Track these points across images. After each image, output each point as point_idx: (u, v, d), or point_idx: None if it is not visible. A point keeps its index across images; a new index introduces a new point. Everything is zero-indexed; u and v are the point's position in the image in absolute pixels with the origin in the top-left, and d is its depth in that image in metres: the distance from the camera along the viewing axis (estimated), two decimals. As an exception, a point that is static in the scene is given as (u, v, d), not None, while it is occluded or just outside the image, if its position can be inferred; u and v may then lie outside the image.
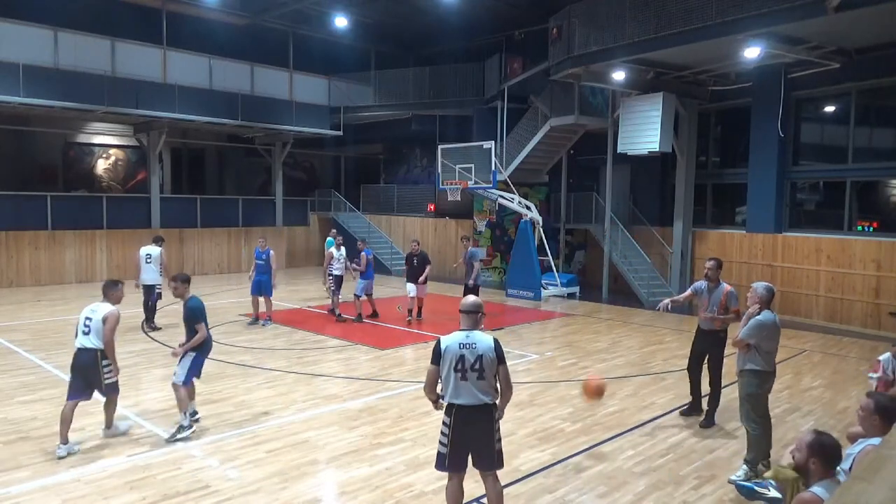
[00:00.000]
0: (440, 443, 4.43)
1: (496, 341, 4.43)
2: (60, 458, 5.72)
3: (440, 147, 17.83)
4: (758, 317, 5.70)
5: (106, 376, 6.14)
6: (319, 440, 6.36)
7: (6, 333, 10.97)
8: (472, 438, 4.36)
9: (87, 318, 6.17)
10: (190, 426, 6.35)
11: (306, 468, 5.70)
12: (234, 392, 7.89)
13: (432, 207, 21.86)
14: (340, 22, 19.46)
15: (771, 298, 5.76)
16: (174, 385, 6.43)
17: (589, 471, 5.77)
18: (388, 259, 21.64)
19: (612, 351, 10.66)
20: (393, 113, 21.94)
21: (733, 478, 5.55)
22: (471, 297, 4.60)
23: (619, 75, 14.17)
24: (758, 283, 5.91)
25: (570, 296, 16.61)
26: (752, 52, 12.04)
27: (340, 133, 21.70)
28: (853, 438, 4.10)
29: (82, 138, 20.87)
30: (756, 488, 4.51)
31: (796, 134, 14.74)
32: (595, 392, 6.36)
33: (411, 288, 12.65)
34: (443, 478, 5.23)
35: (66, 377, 8.31)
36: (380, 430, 6.66)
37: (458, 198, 17.31)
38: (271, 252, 12.53)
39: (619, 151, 15.51)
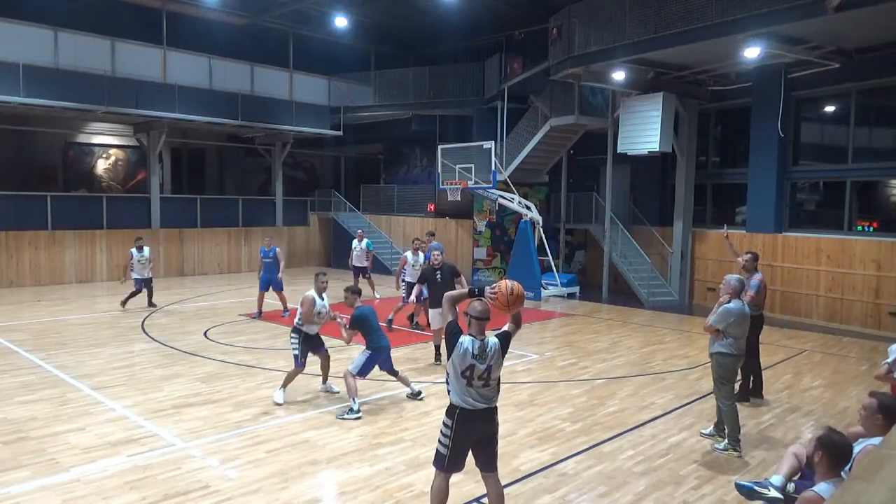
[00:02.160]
0: (440, 442, 4.41)
1: (500, 338, 4.42)
2: None
3: (440, 147, 17.84)
4: (726, 305, 6.27)
5: None
6: (319, 440, 6.36)
7: (6, 333, 10.97)
8: (474, 440, 4.38)
9: None
10: (358, 412, 6.93)
11: (306, 468, 5.70)
12: (234, 392, 7.89)
13: (432, 207, 21.85)
14: (340, 22, 19.45)
15: (741, 289, 6.40)
16: (346, 372, 7.22)
17: (589, 471, 5.77)
18: (388, 259, 21.63)
19: (612, 351, 10.66)
20: (393, 113, 21.93)
21: (717, 445, 6.29)
22: (479, 304, 4.43)
23: (619, 75, 14.17)
24: (730, 276, 6.50)
25: (570, 296, 16.61)
26: (752, 52, 12.03)
27: (340, 133, 21.69)
28: (854, 438, 4.10)
29: (82, 138, 20.86)
30: (756, 488, 4.50)
31: (796, 134, 14.73)
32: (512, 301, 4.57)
33: (436, 317, 9.30)
34: None
35: (66, 377, 8.36)
36: (380, 430, 6.65)
37: (458, 198, 17.31)
38: (278, 249, 12.79)
39: (619, 151, 15.50)
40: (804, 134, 15.02)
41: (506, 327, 4.51)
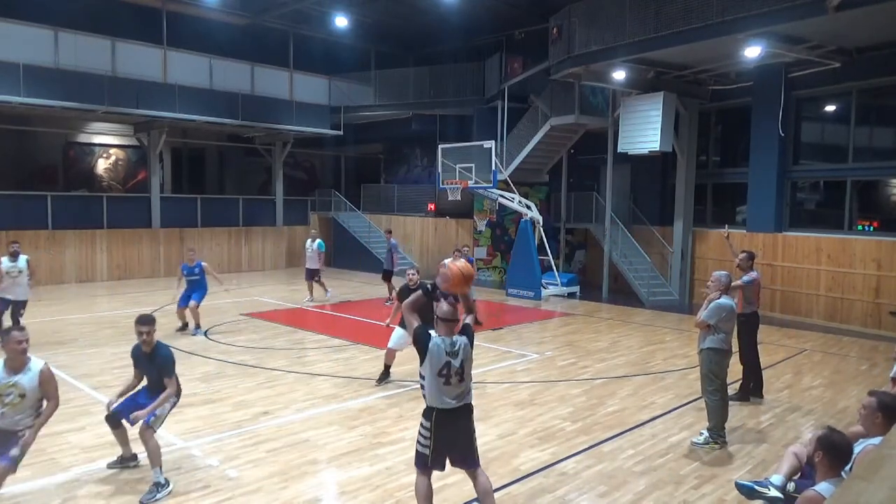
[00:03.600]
0: (420, 443, 4.47)
1: (465, 333, 4.53)
2: None
3: (440, 147, 17.84)
4: (717, 300, 6.40)
5: None
6: (319, 440, 6.35)
7: (6, 333, 10.95)
8: (452, 440, 4.46)
9: None
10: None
11: (306, 468, 5.70)
12: (233, 392, 7.89)
13: (432, 207, 21.86)
14: (340, 22, 19.46)
15: (729, 283, 6.53)
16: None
17: (589, 470, 5.76)
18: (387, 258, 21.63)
19: (612, 350, 10.65)
20: (393, 113, 21.94)
21: (695, 440, 6.39)
22: (445, 306, 4.50)
23: (619, 75, 14.16)
24: (719, 272, 6.65)
25: (571, 295, 16.61)
26: (752, 52, 12.03)
27: (340, 133, 21.70)
28: (854, 438, 4.10)
29: (83, 138, 20.87)
30: (756, 487, 4.50)
31: (797, 133, 14.72)
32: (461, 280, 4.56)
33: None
34: (443, 477, 5.26)
35: (66, 377, 8.35)
36: (380, 430, 6.65)
37: (459, 197, 17.31)
38: (204, 264, 11.41)
39: (619, 151, 15.50)
40: (804, 133, 15.01)
41: (466, 319, 4.62)
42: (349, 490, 5.30)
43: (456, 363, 4.37)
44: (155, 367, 5.50)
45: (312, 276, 14.97)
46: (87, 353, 9.75)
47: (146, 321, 5.51)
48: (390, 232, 16.50)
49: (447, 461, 4.50)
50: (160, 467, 5.16)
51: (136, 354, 5.63)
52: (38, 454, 5.85)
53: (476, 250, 19.57)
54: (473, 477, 4.59)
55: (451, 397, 4.39)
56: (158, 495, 5.02)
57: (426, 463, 4.45)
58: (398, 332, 8.34)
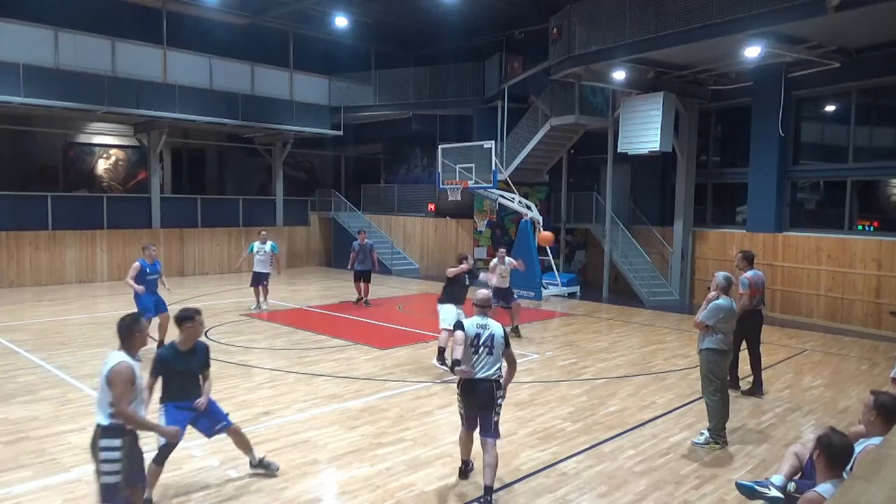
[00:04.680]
0: (458, 405, 5.35)
1: (504, 329, 5.31)
2: None
3: (440, 147, 17.84)
4: (716, 301, 6.44)
5: (104, 468, 3.95)
6: (320, 440, 6.35)
7: (7, 333, 10.97)
8: (477, 406, 5.17)
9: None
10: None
11: (307, 468, 5.70)
12: (234, 392, 7.89)
13: (432, 207, 21.86)
14: (340, 22, 19.45)
15: (728, 286, 6.52)
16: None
17: (589, 470, 5.76)
18: (388, 258, 21.65)
19: (612, 350, 10.65)
20: (393, 113, 21.94)
21: (695, 441, 6.40)
22: (483, 292, 5.53)
23: (619, 75, 14.16)
24: (718, 273, 6.67)
25: (571, 295, 16.61)
26: (752, 52, 12.03)
27: (340, 133, 21.70)
28: (855, 438, 4.10)
29: (83, 138, 20.87)
30: (757, 488, 4.50)
31: (797, 133, 14.73)
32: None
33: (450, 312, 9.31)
34: (443, 477, 5.46)
35: (67, 377, 8.36)
36: (380, 430, 6.65)
37: (459, 197, 17.31)
38: (161, 263, 10.29)
39: (619, 151, 15.49)
40: (804, 133, 15.02)
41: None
42: (349, 490, 5.30)
43: (484, 335, 5.19)
44: (197, 361, 5.14)
45: (259, 281, 13.64)
46: (87, 353, 9.74)
47: (198, 311, 5.16)
48: (362, 231, 15.25)
49: (476, 423, 5.20)
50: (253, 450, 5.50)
51: (168, 356, 5.06)
52: (38, 454, 5.86)
53: (476, 250, 19.57)
54: (484, 447, 5.09)
55: (480, 367, 5.14)
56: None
57: (463, 422, 5.33)
58: (449, 310, 9.09)
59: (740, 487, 4.68)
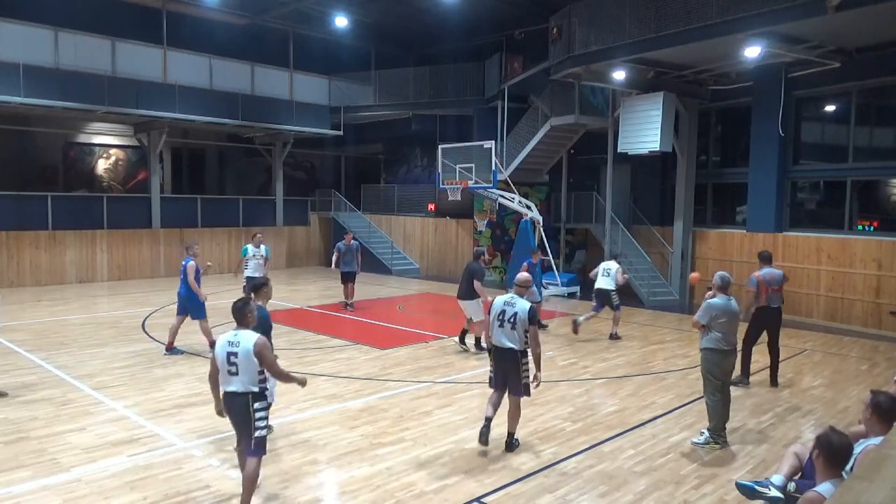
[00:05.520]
0: (489, 370, 6.30)
1: (532, 308, 6.03)
2: None
3: (440, 147, 17.83)
4: (709, 300, 6.49)
5: (258, 424, 4.72)
6: (320, 440, 6.36)
7: (7, 333, 10.96)
8: (504, 370, 6.10)
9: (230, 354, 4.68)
10: None
11: (307, 468, 5.70)
12: (234, 392, 7.88)
13: (432, 207, 21.87)
14: (340, 22, 19.45)
15: (724, 286, 6.54)
16: None
17: (589, 470, 5.76)
18: (388, 258, 21.66)
19: (612, 350, 10.65)
20: (393, 113, 21.94)
21: (695, 440, 6.45)
22: (524, 274, 6.44)
23: (619, 75, 14.16)
24: (718, 272, 6.72)
25: (571, 295, 16.60)
26: (752, 52, 12.03)
27: (340, 133, 21.69)
28: (855, 438, 4.11)
29: (83, 138, 20.87)
30: (757, 487, 4.50)
31: (797, 133, 14.73)
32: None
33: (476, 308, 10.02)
34: (443, 476, 5.51)
35: (67, 377, 8.36)
36: (380, 430, 6.65)
37: (459, 197, 17.31)
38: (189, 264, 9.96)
39: (619, 151, 15.49)
40: (804, 133, 15.02)
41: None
42: (349, 490, 5.30)
43: (509, 312, 6.02)
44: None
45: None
46: (87, 352, 9.75)
47: (268, 279, 6.59)
48: (347, 232, 15.13)
49: (506, 384, 6.12)
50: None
51: (267, 314, 5.90)
52: (38, 454, 5.86)
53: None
54: (510, 402, 6.15)
55: (502, 338, 6.03)
56: None
57: (490, 382, 6.28)
58: (475, 304, 9.94)
59: (740, 487, 4.68)
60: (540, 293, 15.84)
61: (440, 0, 17.71)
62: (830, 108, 14.59)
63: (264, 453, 4.77)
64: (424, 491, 5.28)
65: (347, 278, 14.18)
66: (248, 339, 4.65)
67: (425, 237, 21.83)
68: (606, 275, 11.57)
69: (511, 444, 6.15)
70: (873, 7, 10.04)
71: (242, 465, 4.82)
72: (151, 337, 10.91)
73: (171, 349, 9.67)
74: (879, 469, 1.98)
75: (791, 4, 10.62)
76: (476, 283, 9.91)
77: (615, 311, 11.54)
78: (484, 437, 6.03)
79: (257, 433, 4.68)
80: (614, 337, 11.44)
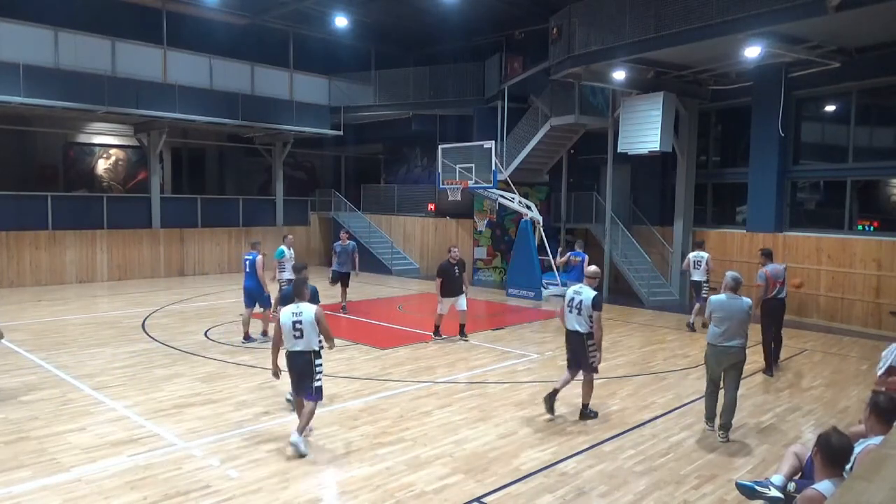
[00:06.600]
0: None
1: (596, 295, 6.96)
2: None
3: (440, 147, 17.83)
4: (711, 297, 6.95)
5: (318, 377, 6.09)
6: (320, 440, 6.35)
7: (7, 333, 10.92)
8: (573, 351, 7.17)
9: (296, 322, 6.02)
10: None
11: (307, 468, 5.70)
12: (234, 392, 7.89)
13: (432, 207, 21.86)
14: (340, 22, 19.45)
15: (735, 285, 6.82)
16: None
17: (590, 470, 5.76)
18: (388, 258, 21.66)
19: (612, 350, 10.65)
20: (393, 113, 21.94)
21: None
22: (593, 267, 7.37)
23: (619, 75, 14.16)
24: (729, 272, 7.08)
25: (571, 295, 16.57)
26: (752, 52, 12.02)
27: (340, 133, 21.70)
28: (855, 438, 4.11)
29: (83, 138, 20.87)
30: (757, 487, 4.50)
31: (797, 133, 14.73)
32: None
33: (462, 301, 10.96)
34: (443, 476, 5.52)
35: (67, 377, 8.36)
36: (380, 430, 6.65)
37: (459, 197, 17.31)
38: (257, 257, 10.56)
39: (619, 151, 15.49)
40: (804, 133, 15.01)
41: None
42: (349, 490, 5.30)
43: (576, 300, 7.01)
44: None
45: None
46: (87, 352, 9.74)
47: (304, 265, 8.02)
48: (343, 231, 14.83)
49: (578, 365, 7.12)
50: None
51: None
52: (38, 454, 5.86)
53: (476, 250, 19.60)
54: (583, 377, 7.13)
55: (571, 323, 7.06)
56: None
57: (568, 364, 7.30)
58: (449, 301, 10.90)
59: (740, 487, 4.68)
60: (540, 293, 15.94)
61: (440, 0, 17.71)
62: (830, 108, 14.59)
63: (321, 399, 6.14)
64: (424, 491, 5.28)
65: (339, 278, 13.90)
66: (309, 309, 6.01)
67: (425, 237, 21.82)
68: (697, 266, 12.29)
69: (586, 414, 7.07)
70: (873, 7, 10.03)
71: (299, 411, 6.20)
72: (151, 337, 10.90)
73: (247, 338, 10.60)
74: (879, 469, 1.98)
75: (791, 4, 10.61)
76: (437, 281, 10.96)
77: (697, 301, 12.18)
78: (547, 403, 7.10)
79: (316, 383, 6.01)
80: (691, 328, 12.16)
